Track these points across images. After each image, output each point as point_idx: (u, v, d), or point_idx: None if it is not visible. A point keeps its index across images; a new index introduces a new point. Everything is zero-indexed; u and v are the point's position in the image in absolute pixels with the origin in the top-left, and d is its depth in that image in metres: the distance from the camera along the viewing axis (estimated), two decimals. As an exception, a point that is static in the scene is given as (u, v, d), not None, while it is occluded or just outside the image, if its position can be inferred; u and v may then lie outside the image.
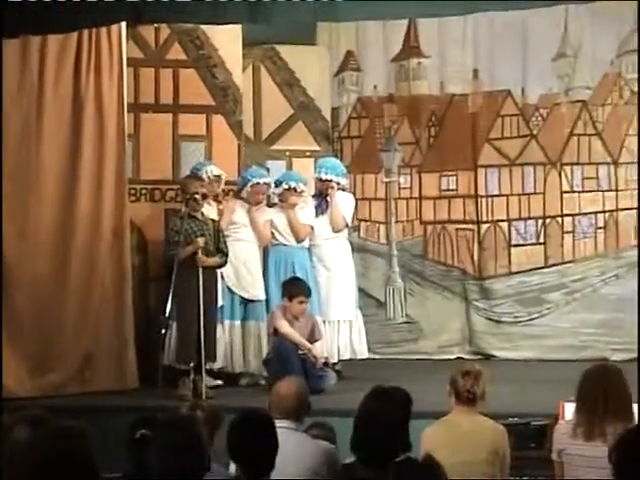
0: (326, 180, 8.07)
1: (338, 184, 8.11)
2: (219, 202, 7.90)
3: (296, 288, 7.46)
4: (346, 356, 8.05)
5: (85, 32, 7.51)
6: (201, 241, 7.30)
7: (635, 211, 8.99)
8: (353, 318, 8.14)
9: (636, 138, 8.94)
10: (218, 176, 7.83)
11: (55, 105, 7.54)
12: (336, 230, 8.13)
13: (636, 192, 8.97)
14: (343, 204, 8.16)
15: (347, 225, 8.26)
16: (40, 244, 7.44)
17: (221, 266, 7.55)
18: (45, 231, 7.48)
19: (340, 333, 8.06)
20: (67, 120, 7.59)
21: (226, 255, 7.53)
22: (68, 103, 7.59)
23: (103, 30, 7.57)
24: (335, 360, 7.97)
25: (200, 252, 7.28)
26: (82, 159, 7.60)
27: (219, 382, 7.54)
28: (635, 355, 8.73)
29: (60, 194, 7.56)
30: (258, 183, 7.96)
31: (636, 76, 8.94)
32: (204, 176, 7.72)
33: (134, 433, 3.83)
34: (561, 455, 4.56)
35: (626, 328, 8.84)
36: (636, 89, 8.96)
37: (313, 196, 8.28)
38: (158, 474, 3.30)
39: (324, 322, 7.93)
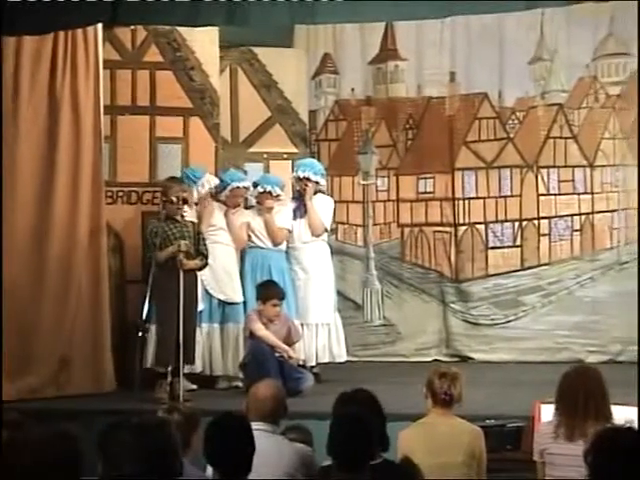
0: (303, 178, 8.05)
1: (317, 183, 8.09)
2: (196, 204, 7.88)
3: (269, 291, 7.45)
4: (324, 359, 8.04)
5: (61, 33, 7.47)
6: (183, 245, 7.26)
7: (610, 214, 9.07)
8: (331, 321, 8.13)
9: (611, 142, 9.02)
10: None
11: (30, 107, 7.50)
12: (315, 235, 8.12)
13: (611, 194, 9.05)
14: (322, 208, 8.15)
15: (326, 230, 8.24)
16: (16, 247, 7.38)
17: (201, 268, 7.51)
18: (21, 234, 7.43)
19: (318, 336, 8.05)
20: (43, 122, 7.54)
21: (206, 258, 7.50)
22: (44, 105, 7.55)
23: (79, 31, 7.54)
24: (313, 363, 7.96)
25: (181, 254, 7.25)
26: (58, 161, 7.56)
27: (194, 387, 7.52)
28: (610, 357, 8.81)
29: (36, 196, 7.52)
30: (238, 187, 7.96)
31: (611, 80, 9.02)
32: (202, 186, 7.71)
33: (109, 436, 3.82)
34: (543, 455, 4.59)
35: (601, 330, 8.91)
36: (611, 92, 9.03)
37: (293, 198, 8.27)
38: (130, 478, 3.29)
39: (302, 325, 7.93)
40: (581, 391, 4.52)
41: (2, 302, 7.14)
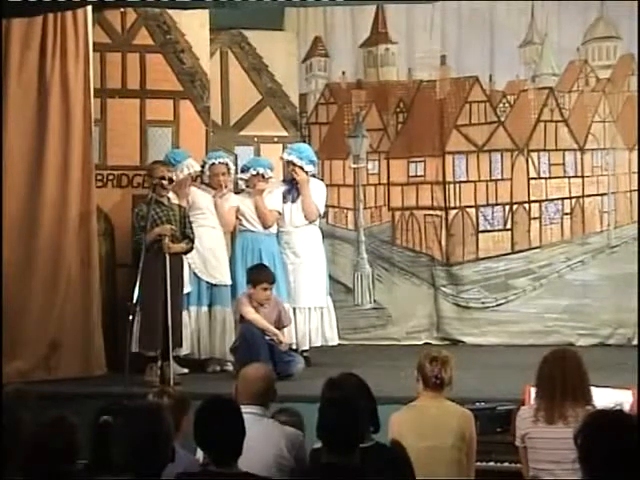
0: (288, 161, 8.04)
1: (301, 168, 8.05)
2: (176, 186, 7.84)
3: (259, 275, 7.44)
4: (317, 343, 8.04)
5: (50, 16, 7.43)
6: (169, 228, 7.26)
7: (600, 197, 9.09)
8: (324, 305, 8.13)
9: (601, 125, 9.04)
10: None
11: (20, 90, 7.47)
12: (309, 220, 8.10)
13: (601, 178, 9.08)
14: (315, 193, 8.12)
15: (320, 215, 8.23)
16: (6, 230, 7.37)
17: (187, 252, 7.51)
18: (11, 217, 7.41)
19: (311, 320, 8.05)
20: (32, 106, 7.52)
21: (192, 241, 7.50)
22: (33, 88, 7.52)
23: (68, 14, 7.50)
24: (306, 347, 7.97)
25: (166, 238, 7.24)
26: (48, 145, 7.54)
27: (185, 371, 7.52)
28: (599, 340, 8.85)
29: (26, 180, 7.50)
30: (214, 163, 7.92)
31: (601, 63, 9.03)
32: (182, 171, 7.69)
33: (100, 421, 3.82)
34: (524, 440, 4.62)
35: (591, 313, 8.94)
36: (601, 76, 9.04)
37: (283, 181, 8.25)
38: (121, 463, 3.28)
39: (294, 309, 7.93)
40: (559, 374, 4.55)
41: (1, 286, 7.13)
